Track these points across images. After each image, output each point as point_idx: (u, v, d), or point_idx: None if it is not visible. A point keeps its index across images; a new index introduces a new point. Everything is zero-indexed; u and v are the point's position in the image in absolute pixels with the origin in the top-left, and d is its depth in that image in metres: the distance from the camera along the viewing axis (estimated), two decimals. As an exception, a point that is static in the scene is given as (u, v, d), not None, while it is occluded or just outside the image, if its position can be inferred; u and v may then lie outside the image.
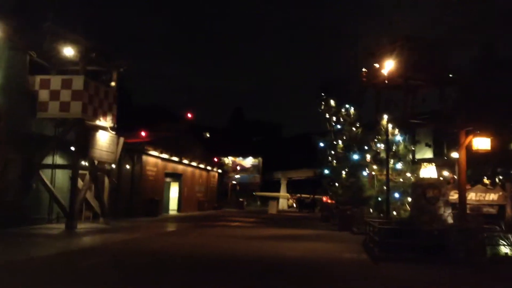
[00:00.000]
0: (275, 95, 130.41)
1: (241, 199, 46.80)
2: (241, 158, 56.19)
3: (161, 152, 29.51)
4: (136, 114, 36.13)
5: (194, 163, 36.19)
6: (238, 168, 55.48)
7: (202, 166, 38.52)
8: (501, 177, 19.13)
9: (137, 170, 27.10)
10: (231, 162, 55.20)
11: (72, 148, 18.99)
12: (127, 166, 25.99)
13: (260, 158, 56.12)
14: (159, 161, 30.04)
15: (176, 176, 34.19)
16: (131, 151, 25.98)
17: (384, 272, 10.55)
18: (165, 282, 8.76)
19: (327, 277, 9.81)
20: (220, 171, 46.14)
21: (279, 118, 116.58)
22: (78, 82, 18.13)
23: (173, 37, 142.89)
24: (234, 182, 53.14)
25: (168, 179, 32.94)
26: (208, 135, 54.66)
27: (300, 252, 13.36)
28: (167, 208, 32.51)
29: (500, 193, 15.38)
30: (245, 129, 68.13)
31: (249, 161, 56.25)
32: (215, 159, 45.11)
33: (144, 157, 27.90)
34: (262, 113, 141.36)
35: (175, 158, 32.11)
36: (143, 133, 29.55)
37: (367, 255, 12.90)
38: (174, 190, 34.55)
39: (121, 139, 21.56)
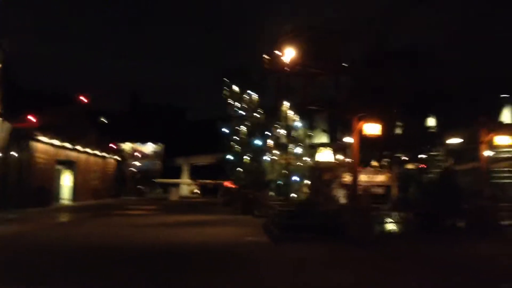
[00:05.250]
0: (180, 80, 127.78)
1: (140, 187, 45.48)
2: (141, 144, 54.47)
3: (52, 138, 27.56)
4: (24, 98, 33.14)
5: (89, 150, 34.32)
6: (138, 154, 53.76)
7: (98, 152, 36.66)
8: (387, 160, 20.87)
9: (26, 158, 25.06)
10: (130, 149, 53.26)
11: None
12: (14, 153, 23.93)
13: (161, 144, 54.85)
14: (50, 147, 28.02)
15: (69, 164, 32.22)
16: (18, 137, 23.94)
17: (284, 252, 11.00)
18: (70, 278, 8.23)
19: (231, 261, 9.98)
20: (118, 158, 44.32)
21: (183, 103, 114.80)
22: (-47, 60, 16.14)
23: (69, 16, 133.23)
24: (133, 169, 51.41)
25: (60, 167, 30.94)
26: (105, 120, 52.06)
27: (204, 237, 13.39)
28: (60, 197, 30.62)
29: (388, 174, 16.76)
30: (146, 114, 65.99)
31: (149, 147, 54.73)
32: (113, 146, 43.20)
33: (33, 144, 25.88)
34: (165, 98, 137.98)
35: (68, 145, 30.17)
36: (32, 118, 27.23)
37: (268, 237, 13.32)
38: (67, 178, 32.58)
39: (7, 124, 19.74)
